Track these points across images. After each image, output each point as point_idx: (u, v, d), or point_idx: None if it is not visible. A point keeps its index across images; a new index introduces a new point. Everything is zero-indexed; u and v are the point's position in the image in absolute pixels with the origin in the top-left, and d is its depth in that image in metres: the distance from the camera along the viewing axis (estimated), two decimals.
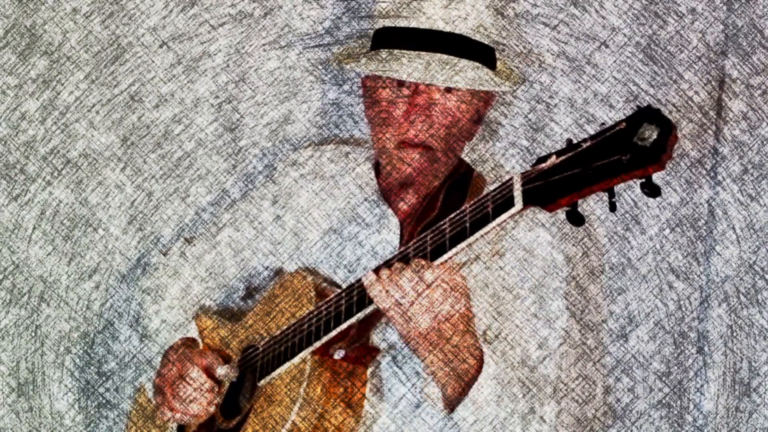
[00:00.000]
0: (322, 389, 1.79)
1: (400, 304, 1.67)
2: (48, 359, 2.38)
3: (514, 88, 2.04)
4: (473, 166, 2.11)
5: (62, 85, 2.36)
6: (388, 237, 2.02)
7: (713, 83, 2.37)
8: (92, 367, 2.37)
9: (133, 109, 2.37)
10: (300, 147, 2.31)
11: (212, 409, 1.93)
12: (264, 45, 2.38)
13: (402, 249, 1.73)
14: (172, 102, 2.38)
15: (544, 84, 2.37)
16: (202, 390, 1.91)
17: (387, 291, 1.68)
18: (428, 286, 1.65)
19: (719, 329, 2.38)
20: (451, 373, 1.73)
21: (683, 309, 2.40)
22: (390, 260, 1.74)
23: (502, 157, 2.37)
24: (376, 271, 1.70)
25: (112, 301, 2.38)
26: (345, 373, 1.81)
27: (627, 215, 2.35)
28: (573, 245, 2.10)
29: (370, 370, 1.83)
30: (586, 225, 2.29)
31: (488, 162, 2.35)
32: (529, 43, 2.37)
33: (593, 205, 1.67)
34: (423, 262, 1.67)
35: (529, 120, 2.38)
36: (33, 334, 2.37)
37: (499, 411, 1.74)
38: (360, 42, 2.13)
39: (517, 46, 2.29)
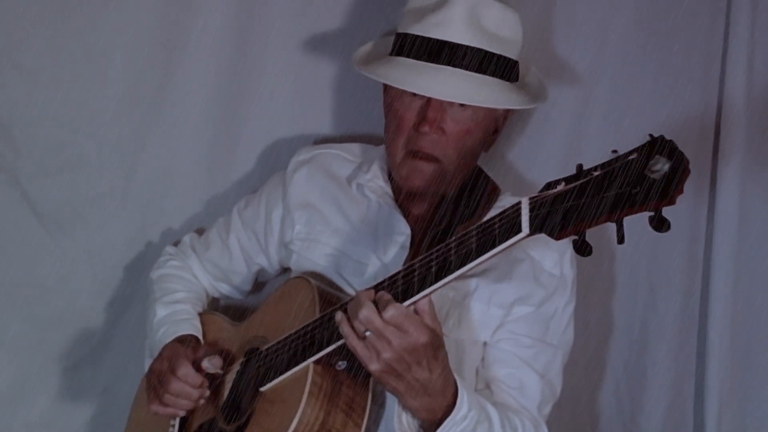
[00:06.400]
0: (324, 398, 1.77)
1: (366, 341, 1.65)
2: None
3: (533, 105, 1.99)
4: (489, 175, 2.07)
5: None
6: (398, 241, 1.99)
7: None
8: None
9: None
10: (314, 143, 2.28)
11: (201, 402, 1.92)
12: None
13: (406, 266, 1.70)
14: None
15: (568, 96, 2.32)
16: (190, 384, 1.89)
17: (353, 330, 1.66)
18: (386, 328, 1.63)
19: None
20: (423, 406, 1.72)
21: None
22: (383, 282, 1.71)
23: (524, 168, 2.34)
24: (362, 296, 1.67)
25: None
26: (347, 383, 1.79)
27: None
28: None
29: (372, 379, 1.80)
30: None
31: (509, 172, 2.32)
32: (557, 55, 2.31)
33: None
34: (388, 304, 1.63)
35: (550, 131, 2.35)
36: None
37: None
38: (383, 40, 2.09)
39: (543, 58, 2.22)
